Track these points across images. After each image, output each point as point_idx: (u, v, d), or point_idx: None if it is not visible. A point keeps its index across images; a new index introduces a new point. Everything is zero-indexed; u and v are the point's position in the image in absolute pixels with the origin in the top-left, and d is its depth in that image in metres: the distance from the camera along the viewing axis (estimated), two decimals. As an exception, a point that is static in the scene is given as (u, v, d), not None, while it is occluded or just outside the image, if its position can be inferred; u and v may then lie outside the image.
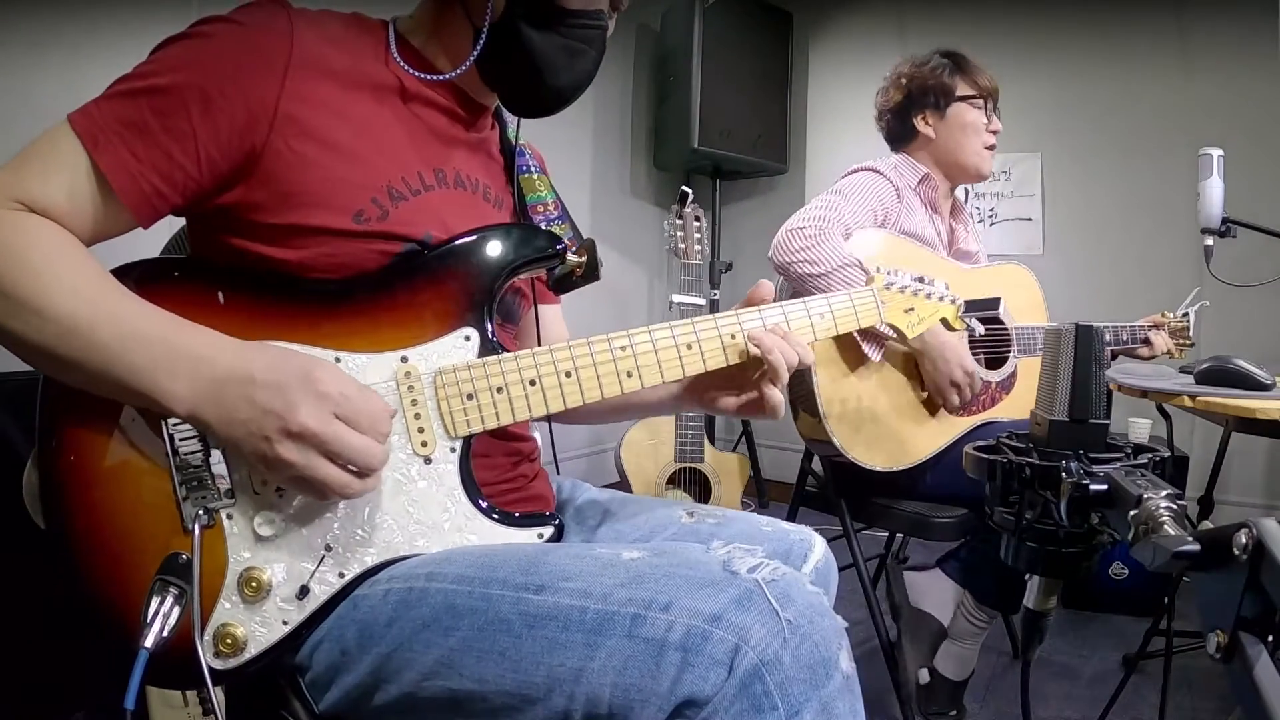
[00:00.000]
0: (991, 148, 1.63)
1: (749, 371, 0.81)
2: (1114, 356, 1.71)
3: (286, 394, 0.60)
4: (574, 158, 2.99)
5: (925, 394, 1.49)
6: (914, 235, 1.56)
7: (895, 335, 0.98)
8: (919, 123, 1.64)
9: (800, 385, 1.45)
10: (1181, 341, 1.72)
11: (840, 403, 1.42)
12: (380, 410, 0.64)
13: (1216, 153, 1.46)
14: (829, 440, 1.41)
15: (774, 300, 0.83)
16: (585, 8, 0.77)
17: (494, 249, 0.74)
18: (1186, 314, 1.72)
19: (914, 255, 1.53)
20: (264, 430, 0.60)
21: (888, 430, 1.45)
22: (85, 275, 0.62)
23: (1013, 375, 1.58)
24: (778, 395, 0.80)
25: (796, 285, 1.45)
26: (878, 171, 1.58)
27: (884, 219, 1.53)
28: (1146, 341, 1.68)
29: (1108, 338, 1.65)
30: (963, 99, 1.60)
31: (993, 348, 1.57)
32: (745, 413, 0.85)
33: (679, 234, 2.26)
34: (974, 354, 1.51)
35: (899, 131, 1.69)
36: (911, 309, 0.97)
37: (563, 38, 0.77)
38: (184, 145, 0.66)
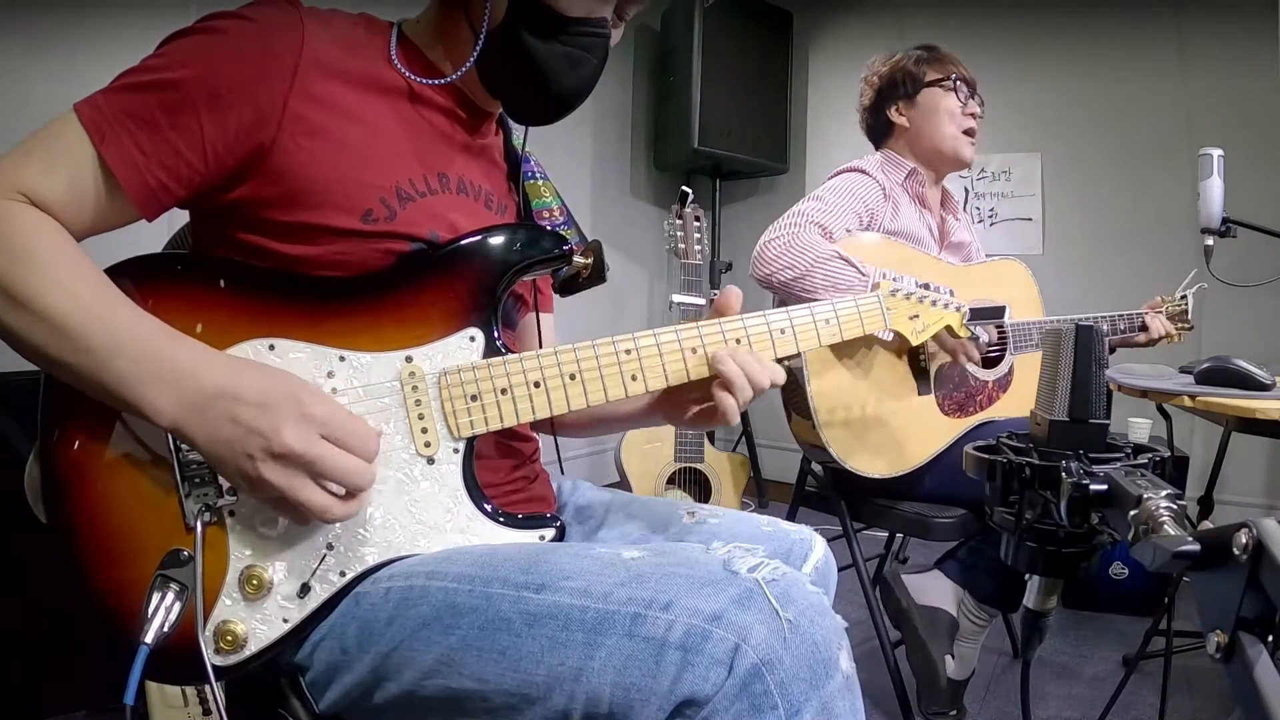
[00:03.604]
0: (970, 132, 1.60)
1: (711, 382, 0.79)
2: (1112, 350, 1.70)
3: (273, 415, 0.60)
4: (574, 158, 2.99)
5: (921, 396, 1.48)
6: (904, 234, 1.55)
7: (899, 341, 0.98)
8: (893, 114, 1.63)
9: (794, 391, 1.44)
10: (1181, 325, 1.70)
11: (835, 409, 1.41)
12: (368, 433, 0.64)
13: (1216, 153, 1.46)
14: (825, 448, 1.41)
15: (740, 306, 0.82)
16: (587, 15, 0.76)
17: (500, 249, 0.74)
18: (1185, 296, 1.71)
19: (907, 258, 1.51)
20: (248, 449, 0.59)
21: (885, 436, 1.44)
22: (82, 278, 0.61)
23: (1009, 373, 1.58)
24: (729, 400, 0.77)
25: (783, 295, 1.44)
26: (863, 171, 1.57)
27: (870, 220, 1.51)
28: (1144, 327, 1.66)
29: (1105, 328, 1.63)
30: (932, 83, 1.59)
31: (989, 347, 1.57)
32: (698, 421, 0.83)
33: (679, 234, 2.26)
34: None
35: (876, 127, 1.69)
36: (916, 315, 0.98)
37: (564, 45, 0.77)
38: (191, 141, 0.66)
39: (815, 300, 1.36)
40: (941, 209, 1.70)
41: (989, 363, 1.57)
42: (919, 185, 1.63)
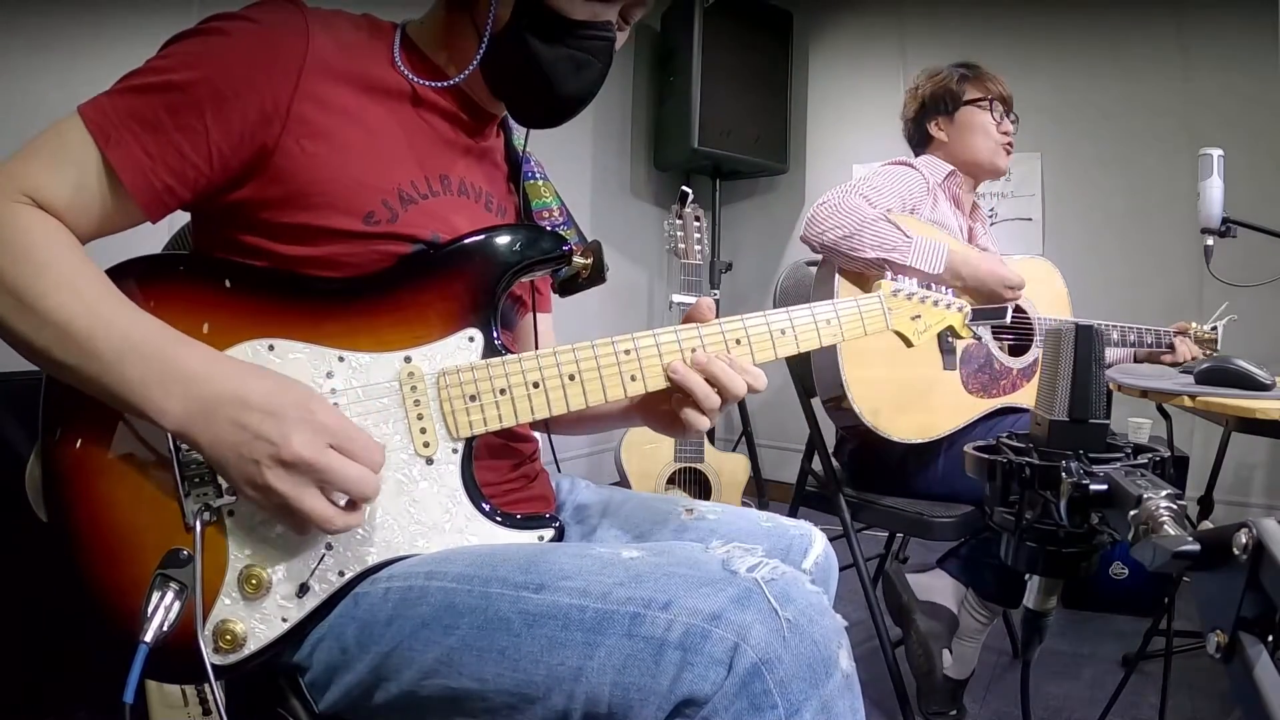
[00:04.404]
0: (1005, 145, 1.70)
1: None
2: (1137, 360, 1.74)
3: (282, 422, 0.59)
4: (574, 158, 3.00)
5: (947, 371, 1.51)
6: (939, 224, 1.61)
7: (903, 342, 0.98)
8: (932, 128, 1.73)
9: (824, 360, 1.46)
10: (1210, 353, 1.73)
11: (864, 374, 1.44)
12: (374, 444, 0.64)
13: (1216, 153, 1.47)
14: (853, 411, 1.42)
15: (712, 315, 0.80)
16: (592, 19, 0.76)
17: (499, 250, 0.74)
18: (1215, 327, 1.73)
19: (943, 239, 1.55)
20: (254, 455, 0.59)
21: (911, 403, 1.47)
22: (87, 281, 0.61)
23: (1034, 364, 1.61)
24: (692, 414, 0.75)
25: (831, 256, 1.48)
26: (909, 165, 1.65)
27: (912, 209, 1.58)
28: (1171, 348, 1.71)
29: (1131, 338, 1.69)
30: (970, 102, 1.68)
31: (1017, 336, 1.61)
32: (675, 427, 0.81)
33: (679, 234, 2.26)
34: (998, 341, 1.55)
35: (917, 138, 1.78)
36: (918, 316, 0.98)
37: (568, 48, 0.76)
38: (196, 142, 0.66)
39: (863, 259, 1.41)
40: (970, 218, 1.77)
41: (1016, 351, 1.60)
42: (956, 187, 1.70)
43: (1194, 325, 1.74)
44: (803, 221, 1.50)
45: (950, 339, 1.49)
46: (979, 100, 1.68)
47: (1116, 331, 1.66)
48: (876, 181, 1.56)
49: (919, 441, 1.46)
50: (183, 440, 0.62)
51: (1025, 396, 1.59)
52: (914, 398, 1.47)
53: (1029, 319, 1.60)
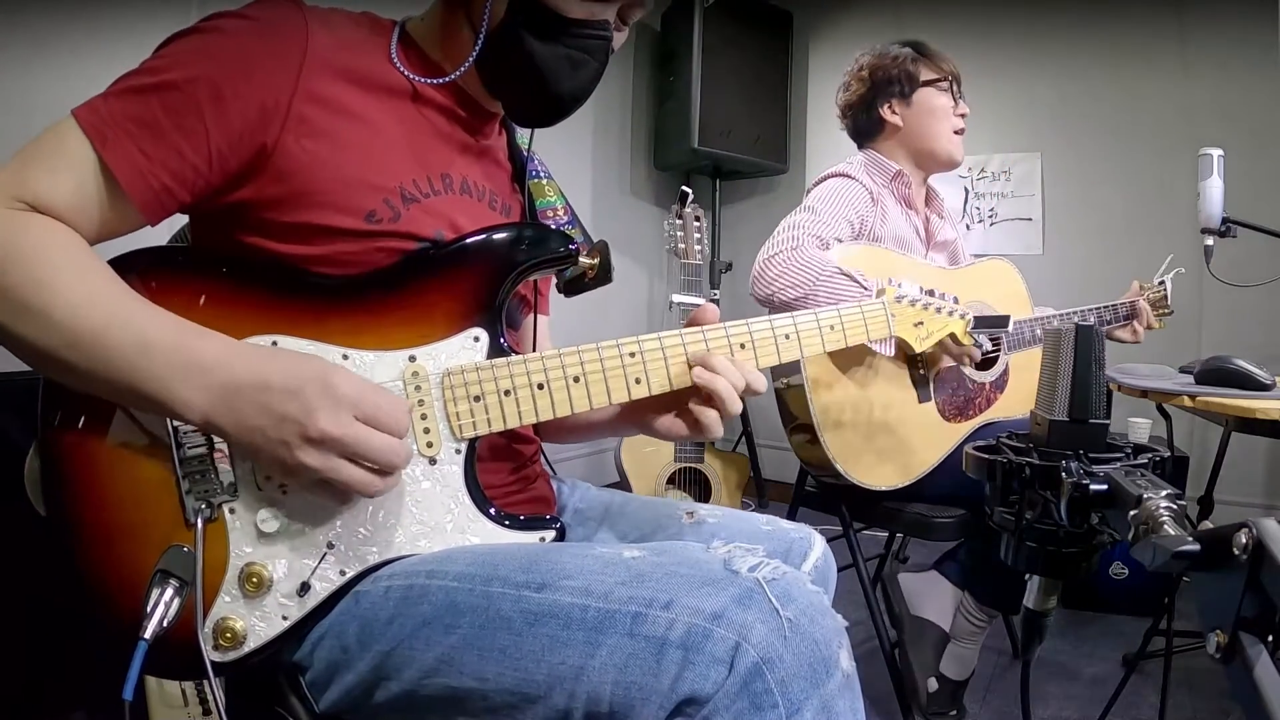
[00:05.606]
0: (960, 132, 1.60)
1: (688, 393, 0.78)
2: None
3: (304, 400, 0.59)
4: (574, 158, 2.99)
5: (922, 404, 1.47)
6: (893, 238, 1.54)
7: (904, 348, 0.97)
8: (885, 112, 1.60)
9: (798, 409, 1.42)
10: (1161, 311, 1.68)
11: (839, 425, 1.40)
12: (399, 408, 0.64)
13: (1216, 153, 1.46)
14: (831, 465, 1.38)
15: (716, 321, 0.79)
16: (588, 17, 0.76)
17: (506, 249, 0.74)
18: (1163, 282, 1.70)
19: (895, 265, 1.48)
20: (282, 436, 0.59)
21: (890, 448, 1.43)
22: (94, 279, 0.61)
23: (1005, 374, 1.57)
24: (711, 414, 0.76)
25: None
26: (849, 176, 1.54)
27: (860, 227, 1.50)
28: (1130, 316, 1.65)
29: (1092, 320, 1.63)
30: (928, 84, 1.58)
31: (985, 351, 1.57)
32: (676, 431, 0.81)
33: (679, 234, 2.26)
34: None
35: (865, 125, 1.65)
36: (921, 322, 0.97)
37: (565, 47, 0.76)
38: (195, 143, 0.65)
39: None
40: (926, 207, 1.69)
41: (984, 365, 1.56)
42: (904, 187, 1.61)
43: (1144, 287, 1.69)
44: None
45: (921, 368, 1.46)
46: (937, 81, 1.57)
47: (1078, 316, 1.59)
48: (822, 212, 1.45)
49: (906, 484, 1.42)
50: (209, 430, 0.62)
51: (1001, 409, 1.55)
52: (894, 442, 1.42)
53: None
